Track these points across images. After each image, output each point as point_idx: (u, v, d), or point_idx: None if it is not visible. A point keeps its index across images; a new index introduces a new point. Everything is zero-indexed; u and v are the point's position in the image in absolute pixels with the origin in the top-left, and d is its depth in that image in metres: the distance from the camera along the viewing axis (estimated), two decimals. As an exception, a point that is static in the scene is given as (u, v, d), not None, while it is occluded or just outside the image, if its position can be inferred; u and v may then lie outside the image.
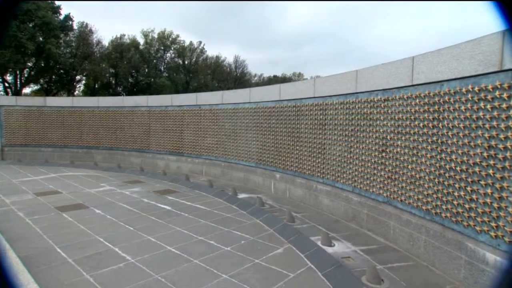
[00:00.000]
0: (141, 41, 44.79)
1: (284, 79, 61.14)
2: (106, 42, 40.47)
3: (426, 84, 4.98)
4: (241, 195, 9.24)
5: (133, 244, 5.68)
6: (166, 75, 46.65)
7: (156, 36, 46.20)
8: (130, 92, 40.57)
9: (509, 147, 3.67)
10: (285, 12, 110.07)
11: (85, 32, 36.28)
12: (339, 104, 7.07)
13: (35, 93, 37.64)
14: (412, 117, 5.22)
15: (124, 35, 42.05)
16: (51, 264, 4.80)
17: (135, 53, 40.66)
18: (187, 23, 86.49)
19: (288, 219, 6.80)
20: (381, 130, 5.93)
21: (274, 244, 5.72)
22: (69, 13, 33.10)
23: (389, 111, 5.73)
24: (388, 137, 5.75)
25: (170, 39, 47.45)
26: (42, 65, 31.65)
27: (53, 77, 34.70)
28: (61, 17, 32.02)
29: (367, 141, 6.28)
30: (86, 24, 37.11)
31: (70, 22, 33.52)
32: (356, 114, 6.58)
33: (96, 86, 39.81)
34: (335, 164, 7.19)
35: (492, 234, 3.84)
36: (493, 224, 3.84)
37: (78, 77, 37.95)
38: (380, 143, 5.94)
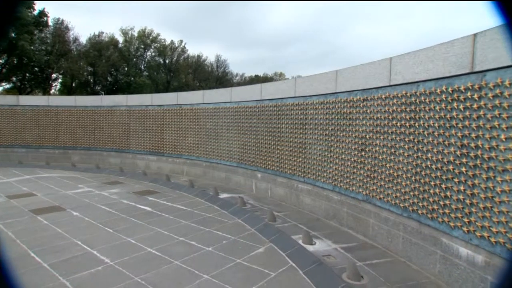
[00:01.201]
0: (120, 39, 43.89)
1: (265, 79, 61.27)
2: (83, 40, 39.46)
3: (403, 85, 5.11)
4: (223, 195, 9.21)
5: (112, 246, 5.56)
6: (147, 74, 45.90)
7: (136, 34, 45.36)
8: (109, 91, 39.65)
9: (480, 145, 3.81)
10: (268, 12, 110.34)
11: (60, 29, 35.19)
12: (319, 104, 7.15)
13: (7, 92, 36.14)
14: (390, 117, 5.34)
15: (103, 32, 41.11)
16: (24, 270, 4.63)
17: (114, 52, 39.74)
18: (168, 21, 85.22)
19: (270, 218, 6.83)
20: (360, 130, 6.04)
21: (255, 244, 5.73)
22: (44, 9, 31.97)
23: (368, 111, 5.85)
24: (367, 136, 5.86)
25: (151, 37, 46.68)
26: (15, 62, 30.47)
27: (27, 75, 33.45)
28: (35, 12, 30.88)
29: (347, 141, 6.39)
30: (62, 20, 36.02)
31: (45, 18, 32.41)
32: (336, 114, 6.67)
33: (74, 85, 38.68)
34: (316, 163, 7.27)
35: (465, 229, 3.99)
36: (465, 219, 3.99)
37: (54, 75, 36.77)
38: (360, 142, 6.05)
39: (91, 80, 40.08)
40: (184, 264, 4.90)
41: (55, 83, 39.13)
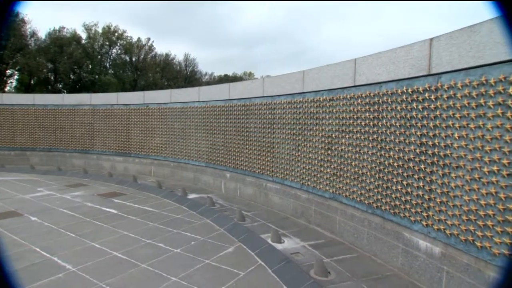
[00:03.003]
0: (83, 35, 41.99)
1: (235, 78, 61.09)
2: (42, 34, 37.39)
3: (367, 85, 5.29)
4: (191, 195, 9.10)
5: (75, 251, 5.32)
6: (112, 72, 44.27)
7: (100, 30, 43.59)
8: (72, 90, 37.91)
9: (437, 144, 4.03)
10: (239, 11, 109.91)
11: (16, 22, 33.07)
12: (287, 104, 7.24)
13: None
14: (355, 116, 5.51)
15: (64, 27, 39.14)
16: (-24, 280, 4.32)
17: (77, 48, 37.99)
18: (135, 18, 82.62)
19: (239, 218, 6.83)
20: (326, 129, 6.18)
21: (224, 244, 5.71)
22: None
23: (334, 111, 6.00)
24: (334, 135, 6.01)
25: (116, 34, 45.04)
26: (-36, 57, 28.35)
27: (-22, 71, 31.23)
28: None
29: (314, 140, 6.52)
30: (17, 12, 33.85)
31: (-1, 11, 30.34)
32: (303, 114, 6.79)
33: (32, 82, 36.56)
34: (284, 162, 7.36)
35: (424, 223, 4.20)
36: (424, 214, 4.20)
37: (9, 72, 34.51)
38: (326, 141, 6.19)
39: (52, 78, 38.09)
40: (151, 267, 4.78)
41: (11, 80, 36.77)
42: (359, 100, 5.41)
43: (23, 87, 36.14)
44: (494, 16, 3.31)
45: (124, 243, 5.67)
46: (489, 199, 3.40)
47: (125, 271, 4.65)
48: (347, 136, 5.69)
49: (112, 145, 13.01)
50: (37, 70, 34.34)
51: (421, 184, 4.27)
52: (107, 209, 7.79)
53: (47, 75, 37.53)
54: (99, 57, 43.66)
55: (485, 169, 3.43)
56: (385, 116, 4.90)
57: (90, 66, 41.01)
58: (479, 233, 3.48)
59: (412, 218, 4.40)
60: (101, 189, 9.94)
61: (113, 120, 12.88)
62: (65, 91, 38.38)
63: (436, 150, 4.04)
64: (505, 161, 3.25)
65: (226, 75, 65.53)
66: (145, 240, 5.85)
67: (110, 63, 45.85)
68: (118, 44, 45.91)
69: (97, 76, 39.85)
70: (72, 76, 39.16)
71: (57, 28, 38.46)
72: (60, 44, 36.37)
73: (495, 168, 3.34)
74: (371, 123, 5.17)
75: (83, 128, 13.51)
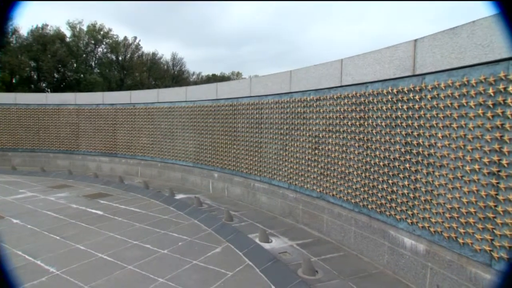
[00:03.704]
0: (68, 33, 41.24)
1: (223, 78, 60.94)
2: (24, 32, 36.49)
3: (354, 85, 5.34)
4: (179, 196, 9.03)
5: (59, 254, 5.22)
6: (98, 71, 43.56)
7: (85, 28, 42.86)
8: (57, 89, 37.16)
9: (421, 143, 4.11)
10: (227, 11, 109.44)
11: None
12: (274, 104, 7.26)
13: None
14: (342, 116, 5.56)
15: (47, 25, 38.33)
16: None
17: (61, 46, 37.24)
18: (121, 16, 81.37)
19: (227, 218, 6.81)
20: (314, 129, 6.23)
21: (212, 244, 5.69)
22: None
23: (321, 110, 6.04)
24: (320, 135, 6.06)
25: (102, 33, 44.38)
26: None
27: (-43, 69, 30.30)
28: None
29: (301, 139, 6.55)
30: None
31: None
32: (290, 113, 6.82)
33: (14, 81, 35.66)
34: (272, 162, 7.38)
35: (409, 221, 4.28)
36: (409, 212, 4.28)
37: (-10, 70, 33.62)
38: (313, 141, 6.23)
39: (35, 77, 37.26)
40: (138, 268, 4.73)
41: (-9, 79, 35.82)
42: (346, 100, 5.47)
43: (4, 86, 35.21)
44: (475, 19, 3.40)
45: (110, 245, 5.59)
46: (470, 197, 3.48)
47: (111, 273, 4.58)
48: (334, 136, 5.74)
49: (98, 146, 12.80)
50: (19, 69, 33.54)
51: (406, 183, 4.34)
52: (93, 210, 7.66)
53: (30, 73, 36.70)
54: (84, 55, 42.95)
55: (467, 168, 3.52)
56: (371, 116, 4.96)
57: (75, 65, 40.31)
58: (461, 230, 3.56)
59: (397, 217, 4.48)
60: (86, 190, 9.77)
61: (99, 120, 12.67)
62: (49, 90, 37.61)
63: (420, 150, 4.12)
64: (485, 160, 3.34)
65: (214, 75, 65.30)
66: (132, 241, 5.78)
67: (96, 62, 45.18)
68: (104, 43, 45.29)
69: (82, 75, 39.20)
70: (56, 75, 38.40)
71: (40, 25, 37.68)
72: (43, 42, 35.62)
73: (476, 166, 3.42)
74: (357, 123, 5.23)
75: (67, 128, 13.25)
